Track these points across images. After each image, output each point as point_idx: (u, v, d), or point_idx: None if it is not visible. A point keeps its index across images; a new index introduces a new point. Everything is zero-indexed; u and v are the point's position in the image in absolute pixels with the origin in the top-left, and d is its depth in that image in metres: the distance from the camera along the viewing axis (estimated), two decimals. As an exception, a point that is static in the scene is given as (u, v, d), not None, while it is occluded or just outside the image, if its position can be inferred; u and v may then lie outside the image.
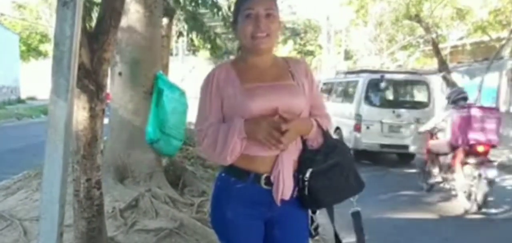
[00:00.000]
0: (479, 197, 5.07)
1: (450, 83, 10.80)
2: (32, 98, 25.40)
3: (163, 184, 4.58)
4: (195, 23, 7.35)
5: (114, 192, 4.22)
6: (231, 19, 1.75)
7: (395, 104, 8.65)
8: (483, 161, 5.13)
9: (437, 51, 11.17)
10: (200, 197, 4.68)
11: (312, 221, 1.76)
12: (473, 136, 5.16)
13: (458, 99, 5.58)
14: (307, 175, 1.62)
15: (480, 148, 5.17)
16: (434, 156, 6.00)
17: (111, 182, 4.31)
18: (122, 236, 3.52)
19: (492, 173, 5.03)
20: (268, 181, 1.61)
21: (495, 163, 5.35)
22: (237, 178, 1.64)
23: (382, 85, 8.48)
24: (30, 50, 31.74)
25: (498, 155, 9.00)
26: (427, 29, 10.86)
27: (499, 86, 13.21)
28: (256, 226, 1.68)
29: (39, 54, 31.82)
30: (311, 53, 35.10)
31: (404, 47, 17.01)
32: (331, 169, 1.64)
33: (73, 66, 1.77)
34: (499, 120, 5.30)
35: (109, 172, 4.37)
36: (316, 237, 1.80)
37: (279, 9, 1.68)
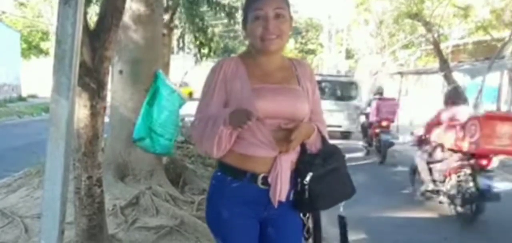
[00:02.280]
0: (383, 154, 7.99)
1: (451, 82, 10.78)
2: (33, 96, 25.37)
3: (164, 182, 4.60)
4: (191, 17, 7.32)
5: (115, 190, 4.24)
6: (240, 18, 1.74)
7: (334, 97, 11.85)
8: (385, 131, 8.01)
9: (438, 50, 11.15)
10: (200, 195, 4.69)
11: (303, 224, 1.77)
12: (381, 116, 8.17)
13: (376, 93, 8.94)
14: (307, 179, 1.62)
15: (384, 123, 8.14)
16: (365, 130, 9.00)
17: (111, 180, 4.32)
18: (122, 233, 3.54)
19: (387, 137, 7.89)
20: (265, 181, 1.61)
21: (391, 131, 8.13)
22: (233, 177, 1.64)
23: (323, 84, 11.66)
24: (31, 48, 31.70)
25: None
26: (428, 28, 10.84)
27: (500, 86, 13.20)
28: (251, 225, 1.68)
29: (40, 52, 31.78)
30: (312, 51, 35.11)
31: (405, 46, 16.99)
32: (330, 174, 1.66)
33: (75, 64, 1.78)
34: (396, 106, 8.53)
35: (109, 170, 4.38)
36: (309, 239, 1.81)
37: (289, 6, 1.66)
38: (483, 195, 4.52)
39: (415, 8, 10.61)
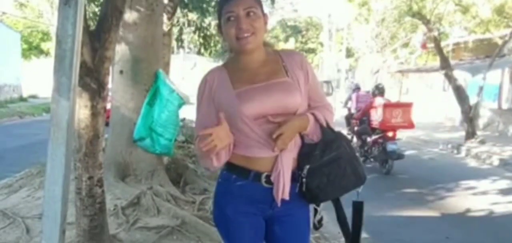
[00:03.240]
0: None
1: (452, 81, 10.76)
2: (33, 96, 25.36)
3: (165, 182, 4.60)
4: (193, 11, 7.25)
5: (116, 190, 4.23)
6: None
7: None
8: (364, 121, 8.20)
9: (439, 49, 11.12)
10: (201, 194, 4.69)
11: (316, 212, 1.73)
12: (359, 105, 8.75)
13: (354, 89, 9.71)
14: (305, 172, 1.61)
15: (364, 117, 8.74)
16: (348, 120, 9.66)
17: (112, 180, 4.32)
18: (124, 233, 3.54)
19: (363, 129, 8.11)
20: (269, 180, 1.61)
21: (365, 121, 8.18)
22: (237, 176, 1.64)
23: None
24: (31, 49, 31.69)
25: (499, 152, 9.00)
26: (429, 27, 10.80)
27: (501, 84, 13.18)
28: (256, 223, 1.69)
29: (41, 52, 31.77)
30: (312, 50, 35.06)
31: (406, 45, 16.96)
32: (329, 164, 1.62)
33: (75, 64, 1.78)
34: (372, 99, 8.71)
35: (110, 170, 4.38)
36: (318, 231, 1.79)
37: (261, 4, 1.66)
38: (391, 156, 6.95)
39: (416, 6, 10.57)
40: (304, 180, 1.61)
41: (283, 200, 1.61)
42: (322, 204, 1.74)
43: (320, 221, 1.74)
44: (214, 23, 8.29)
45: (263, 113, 1.57)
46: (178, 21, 7.67)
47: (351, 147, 1.72)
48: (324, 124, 1.67)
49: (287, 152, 1.60)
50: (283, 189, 1.59)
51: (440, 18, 10.93)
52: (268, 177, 1.61)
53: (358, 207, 1.77)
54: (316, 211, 1.73)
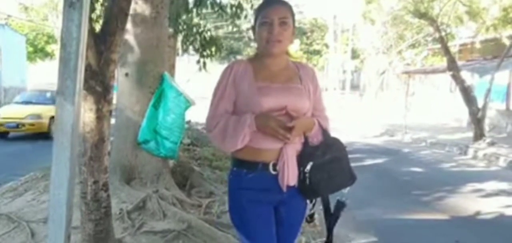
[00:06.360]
0: None
1: (459, 82, 10.68)
2: (39, 99, 25.51)
3: (171, 185, 4.57)
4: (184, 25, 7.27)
5: (121, 194, 4.21)
6: (244, 19, 1.89)
7: None
8: None
9: (446, 49, 11.04)
10: (207, 198, 4.66)
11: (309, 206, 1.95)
12: None
13: None
14: (308, 167, 1.81)
15: None
16: None
17: (118, 184, 4.30)
18: (129, 238, 3.51)
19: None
20: (276, 167, 1.80)
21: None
22: (248, 170, 1.82)
23: None
24: (36, 51, 31.91)
25: (507, 154, 8.90)
26: (436, 28, 10.72)
27: (510, 84, 13.07)
28: (268, 211, 1.86)
29: (46, 55, 31.99)
30: (317, 52, 35.00)
31: (412, 46, 16.88)
32: (330, 163, 1.86)
33: (80, 67, 1.75)
34: None
35: (115, 173, 4.36)
36: (312, 225, 1.92)
37: (294, 16, 1.86)
38: None
39: (422, 7, 10.49)
40: (307, 175, 1.81)
41: (288, 187, 1.80)
42: (314, 201, 1.95)
43: (312, 215, 1.97)
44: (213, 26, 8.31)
45: (277, 109, 1.78)
46: (183, 26, 7.66)
47: (346, 151, 1.96)
48: (327, 130, 1.92)
49: (291, 145, 1.79)
50: (288, 175, 1.78)
51: (447, 19, 10.84)
52: (274, 165, 1.80)
53: (340, 206, 1.95)
54: (309, 206, 1.95)
